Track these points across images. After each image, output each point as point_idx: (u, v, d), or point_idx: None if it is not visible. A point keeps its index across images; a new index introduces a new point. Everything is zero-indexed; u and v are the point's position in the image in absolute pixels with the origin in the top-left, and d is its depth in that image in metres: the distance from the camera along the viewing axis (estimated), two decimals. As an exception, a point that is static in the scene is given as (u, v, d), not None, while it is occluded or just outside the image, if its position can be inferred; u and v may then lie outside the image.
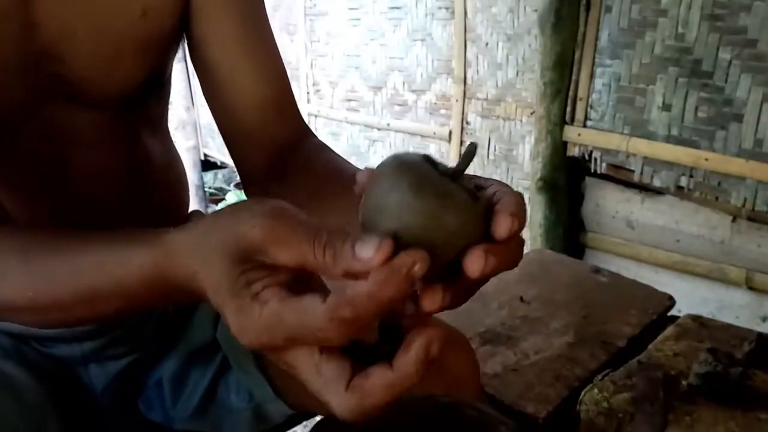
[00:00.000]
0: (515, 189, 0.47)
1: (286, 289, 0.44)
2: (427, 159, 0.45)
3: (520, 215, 0.43)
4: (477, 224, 0.43)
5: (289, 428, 0.93)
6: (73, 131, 0.71)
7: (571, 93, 2.55)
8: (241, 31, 0.75)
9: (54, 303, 0.54)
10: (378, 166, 0.45)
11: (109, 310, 0.54)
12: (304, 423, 0.94)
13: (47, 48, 0.64)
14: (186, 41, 0.76)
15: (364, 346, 0.46)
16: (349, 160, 0.72)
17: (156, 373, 0.86)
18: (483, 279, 0.44)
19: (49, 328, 0.75)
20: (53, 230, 0.57)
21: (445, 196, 0.42)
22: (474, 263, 0.42)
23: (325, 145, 0.77)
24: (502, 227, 0.43)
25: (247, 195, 0.79)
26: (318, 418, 0.77)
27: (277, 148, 0.76)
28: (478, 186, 0.46)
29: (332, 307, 0.41)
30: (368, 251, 0.41)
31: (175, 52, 0.77)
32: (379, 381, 0.42)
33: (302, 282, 0.46)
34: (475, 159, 2.45)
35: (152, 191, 0.81)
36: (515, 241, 0.44)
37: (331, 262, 0.43)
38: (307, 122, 0.81)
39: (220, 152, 4.87)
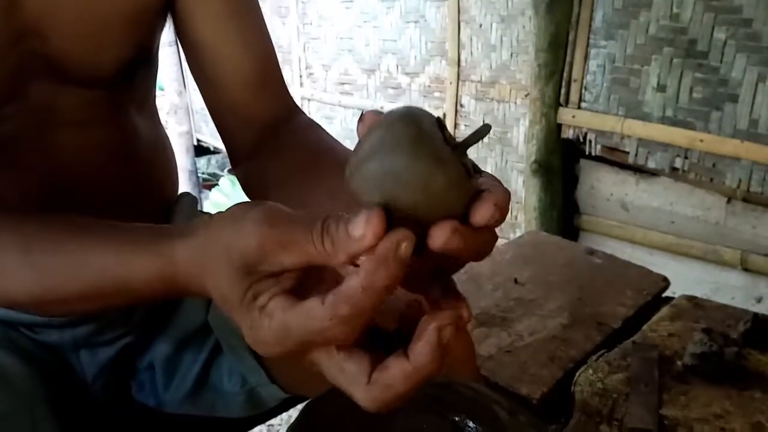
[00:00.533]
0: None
1: (291, 296, 0.43)
2: (439, 122, 0.43)
3: (503, 209, 0.42)
4: (462, 200, 0.42)
5: (283, 412, 0.93)
6: (60, 110, 0.70)
7: (565, 75, 2.54)
8: (227, 6, 0.74)
9: (58, 299, 0.54)
10: (387, 113, 0.43)
11: (113, 306, 0.56)
12: (298, 406, 0.94)
13: (30, 25, 0.63)
14: (172, 18, 0.75)
15: (384, 333, 0.46)
16: (342, 143, 0.72)
17: (148, 358, 0.85)
18: (442, 258, 0.43)
19: (49, 317, 0.75)
20: (54, 223, 0.56)
21: (441, 162, 0.41)
22: (439, 236, 0.40)
23: (314, 122, 0.77)
24: (482, 212, 0.41)
25: (234, 172, 0.79)
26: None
27: (265, 125, 0.75)
28: (475, 168, 0.45)
29: (330, 307, 0.41)
30: (359, 229, 0.40)
31: (162, 28, 0.76)
32: (397, 373, 0.42)
33: (315, 276, 0.46)
34: (470, 141, 2.41)
35: (140, 170, 0.80)
36: (489, 233, 0.43)
37: (333, 251, 0.42)
38: (300, 105, 0.80)
39: (213, 137, 4.84)
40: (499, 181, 0.44)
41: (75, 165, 0.72)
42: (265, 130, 0.75)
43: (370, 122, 0.43)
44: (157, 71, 0.84)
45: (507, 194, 0.43)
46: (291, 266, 0.43)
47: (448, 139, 0.42)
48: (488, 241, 0.44)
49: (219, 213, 0.47)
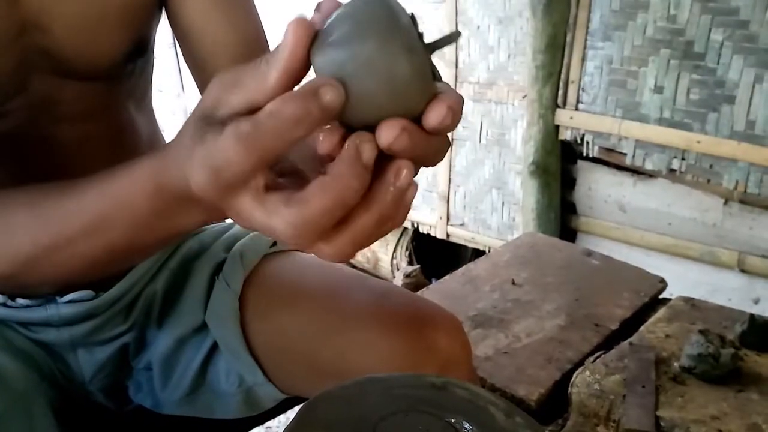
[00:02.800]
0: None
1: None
2: (412, 17, 0.42)
3: (456, 112, 0.42)
4: (422, 98, 0.40)
5: (281, 413, 0.93)
6: (60, 104, 0.70)
7: (563, 76, 2.55)
8: None
9: (68, 242, 0.54)
10: None
11: (120, 239, 0.54)
12: (296, 408, 0.94)
13: (31, 18, 0.64)
14: (165, 9, 0.76)
15: None
16: None
17: (145, 358, 0.85)
18: (389, 155, 0.42)
19: (65, 284, 0.74)
20: (51, 182, 0.57)
21: (411, 52, 0.39)
22: (387, 135, 0.40)
23: None
24: (435, 114, 0.41)
25: None
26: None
27: None
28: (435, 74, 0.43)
29: (237, 128, 0.41)
30: (288, 37, 0.41)
31: (158, 20, 0.77)
32: (314, 187, 0.41)
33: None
34: (467, 143, 2.43)
35: None
36: (441, 138, 0.43)
37: (266, 69, 0.42)
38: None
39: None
40: (455, 91, 0.43)
41: (74, 159, 0.73)
42: None
43: (330, 7, 0.43)
44: (153, 67, 0.85)
45: (460, 99, 0.43)
46: (239, 106, 0.43)
47: (419, 35, 0.41)
48: (440, 147, 0.44)
49: None
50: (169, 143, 0.49)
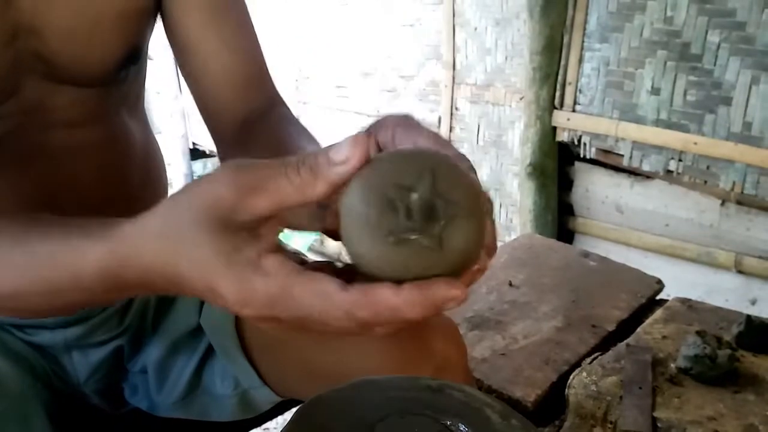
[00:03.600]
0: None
1: (295, 263, 0.42)
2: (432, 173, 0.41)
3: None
4: (442, 266, 0.41)
5: (277, 416, 0.93)
6: (52, 109, 0.70)
7: (560, 78, 2.54)
8: (211, 5, 0.75)
9: (15, 292, 0.52)
10: (372, 165, 0.42)
11: (68, 302, 0.53)
12: (293, 410, 0.94)
13: (25, 23, 0.64)
14: (161, 18, 0.76)
15: None
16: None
17: (140, 360, 0.85)
18: None
19: (17, 317, 0.74)
20: (18, 218, 0.54)
21: (410, 252, 0.40)
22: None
23: (290, 118, 0.77)
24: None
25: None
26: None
27: (244, 119, 0.76)
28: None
29: (353, 304, 0.40)
30: (343, 153, 0.41)
31: (152, 29, 0.77)
32: (377, 294, 0.41)
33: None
34: (465, 145, 2.44)
35: (131, 171, 0.80)
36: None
37: (311, 179, 0.41)
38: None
39: (209, 140, 4.83)
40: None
41: (66, 164, 0.72)
42: (244, 124, 0.76)
43: (362, 154, 0.42)
44: (146, 74, 0.85)
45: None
46: (264, 211, 0.42)
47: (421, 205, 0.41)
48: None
49: (178, 189, 0.46)
50: (131, 227, 0.46)
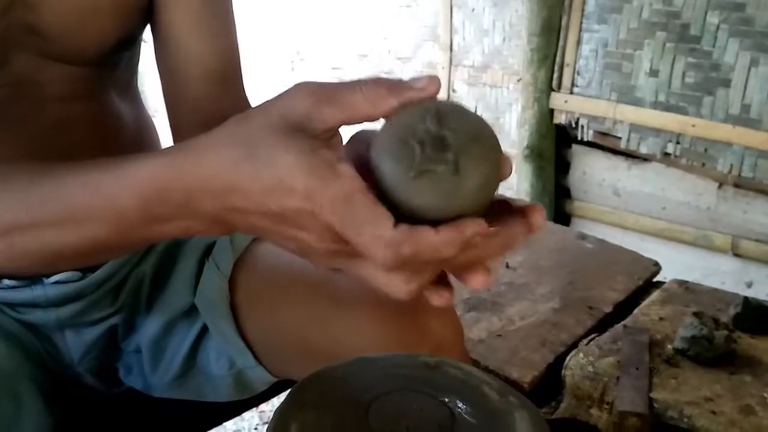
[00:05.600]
0: None
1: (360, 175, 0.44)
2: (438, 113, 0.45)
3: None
4: (463, 189, 0.44)
5: (274, 396, 0.92)
6: (41, 84, 0.69)
7: (558, 59, 2.53)
8: (201, 1, 0.75)
9: (30, 224, 0.50)
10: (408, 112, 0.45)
11: (95, 237, 0.50)
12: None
13: None
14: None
15: None
16: None
17: (134, 340, 0.84)
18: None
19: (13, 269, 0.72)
20: (34, 162, 0.53)
21: (430, 181, 0.43)
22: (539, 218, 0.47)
23: None
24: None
25: None
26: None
27: (211, 120, 0.75)
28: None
29: (398, 237, 0.42)
30: (424, 80, 0.45)
31: (148, 18, 0.76)
32: (422, 233, 0.43)
33: None
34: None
35: (121, 149, 0.79)
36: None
37: (387, 94, 0.44)
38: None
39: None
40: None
41: (55, 139, 0.72)
42: (211, 124, 0.75)
43: (437, 88, 0.46)
44: (139, 58, 0.84)
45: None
46: (336, 121, 0.44)
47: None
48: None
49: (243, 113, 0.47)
50: (187, 142, 0.47)
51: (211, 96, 0.76)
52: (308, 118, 0.44)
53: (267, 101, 0.46)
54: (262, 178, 0.44)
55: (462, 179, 0.43)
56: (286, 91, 0.45)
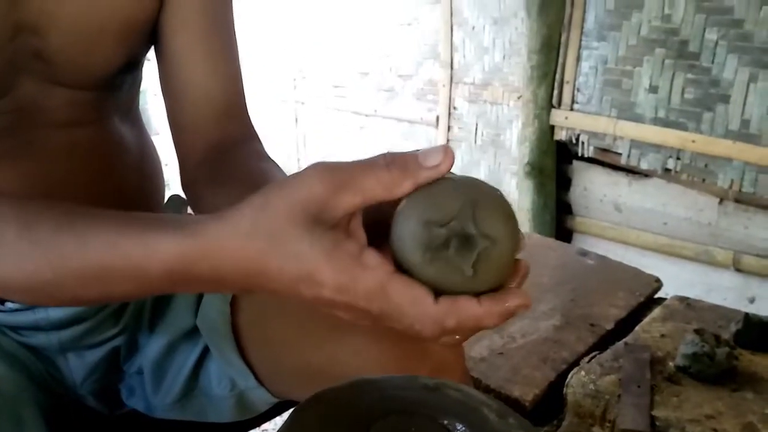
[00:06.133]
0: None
1: (387, 259, 0.46)
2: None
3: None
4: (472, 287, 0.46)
5: (277, 415, 0.92)
6: (46, 110, 0.70)
7: (557, 76, 2.55)
8: (203, 26, 0.75)
9: (53, 280, 0.51)
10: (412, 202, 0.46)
11: (117, 293, 0.52)
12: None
13: (28, 21, 0.64)
14: (154, 29, 0.76)
15: None
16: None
17: (136, 362, 0.85)
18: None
19: (47, 305, 0.73)
20: (58, 206, 0.53)
21: (443, 269, 0.45)
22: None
23: (265, 154, 0.77)
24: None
25: (183, 189, 0.79)
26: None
27: (218, 147, 0.76)
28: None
29: (443, 312, 0.44)
30: (436, 158, 0.45)
31: (150, 41, 0.77)
32: (465, 306, 0.45)
33: None
34: (463, 145, 2.45)
35: (123, 174, 0.80)
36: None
37: (401, 178, 0.45)
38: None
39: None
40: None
41: (58, 164, 0.72)
42: (217, 149, 0.75)
43: (450, 162, 0.46)
44: (141, 82, 0.85)
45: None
46: (353, 207, 0.45)
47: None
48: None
49: (262, 190, 0.47)
50: (212, 225, 0.47)
51: (217, 122, 0.77)
52: (326, 206, 0.44)
53: (284, 184, 0.46)
54: (290, 270, 0.46)
55: (475, 279, 0.45)
56: (302, 174, 0.46)
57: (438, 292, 0.45)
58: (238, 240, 0.46)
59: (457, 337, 0.47)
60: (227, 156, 0.74)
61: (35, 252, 0.51)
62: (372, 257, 0.45)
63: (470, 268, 0.45)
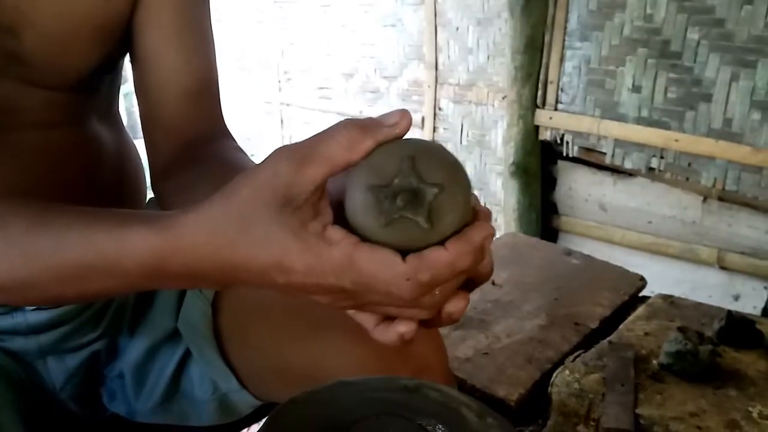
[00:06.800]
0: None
1: (350, 233, 0.45)
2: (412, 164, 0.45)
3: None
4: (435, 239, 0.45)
5: (261, 419, 0.92)
6: (22, 111, 0.69)
7: (541, 76, 2.55)
8: (177, 21, 0.75)
9: (28, 279, 0.50)
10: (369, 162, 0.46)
11: (93, 290, 0.52)
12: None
13: (3, 22, 0.63)
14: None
15: None
16: None
17: (117, 365, 0.84)
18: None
19: (27, 305, 0.72)
20: (32, 203, 0.53)
21: (402, 230, 0.45)
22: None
23: (240, 148, 0.76)
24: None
25: (153, 189, 0.78)
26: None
27: (190, 141, 0.75)
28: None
29: (413, 268, 0.43)
30: (394, 117, 0.46)
31: (128, 41, 0.76)
32: (432, 256, 0.44)
33: None
34: (449, 145, 2.46)
35: (102, 176, 0.79)
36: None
37: (360, 136, 0.45)
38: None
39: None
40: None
41: (35, 166, 0.71)
42: (189, 146, 0.75)
43: (408, 124, 0.47)
44: (120, 83, 0.84)
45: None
46: (319, 178, 0.44)
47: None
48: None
49: (231, 180, 0.47)
50: (185, 216, 0.47)
51: (186, 116, 0.76)
52: (294, 183, 0.44)
53: (251, 171, 0.46)
54: (260, 258, 0.45)
55: (435, 231, 0.45)
56: (268, 158, 0.46)
57: (405, 253, 0.44)
58: (208, 229, 0.46)
59: (438, 292, 0.46)
60: (200, 149, 0.73)
61: (9, 250, 0.50)
62: (335, 232, 0.45)
63: (426, 220, 0.44)
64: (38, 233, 0.50)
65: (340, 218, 0.47)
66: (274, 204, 0.44)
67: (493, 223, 0.49)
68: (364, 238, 0.45)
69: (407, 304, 0.46)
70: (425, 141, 0.48)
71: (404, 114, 0.46)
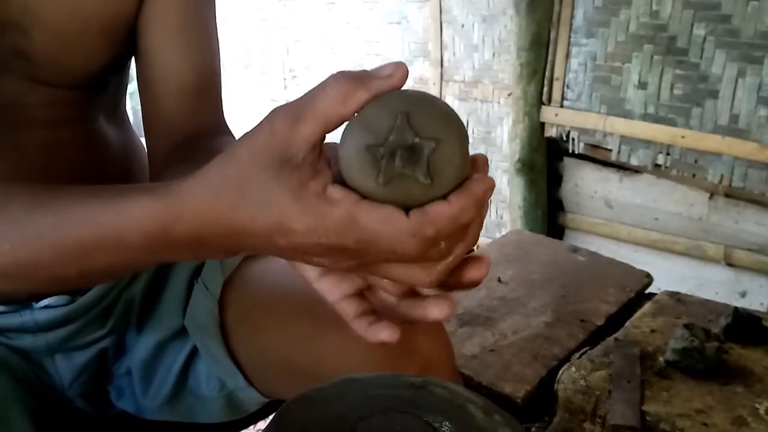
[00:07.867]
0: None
1: (351, 190, 0.44)
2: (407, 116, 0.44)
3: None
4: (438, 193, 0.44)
5: (266, 416, 0.92)
6: (29, 108, 0.70)
7: (547, 73, 2.55)
8: (181, 18, 0.75)
9: (31, 259, 0.50)
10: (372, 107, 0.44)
11: (97, 267, 0.51)
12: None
13: (12, 19, 0.63)
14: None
15: None
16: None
17: (125, 363, 0.84)
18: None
19: (21, 291, 0.72)
20: (32, 184, 0.53)
21: (401, 187, 0.43)
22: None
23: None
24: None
25: (151, 182, 0.78)
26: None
27: (189, 136, 0.75)
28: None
29: (417, 223, 0.42)
30: (389, 68, 0.44)
31: (135, 40, 0.77)
32: (436, 210, 0.43)
33: None
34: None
35: (109, 174, 0.80)
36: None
37: (353, 88, 0.43)
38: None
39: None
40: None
41: (43, 164, 0.72)
42: (188, 141, 0.75)
43: (403, 75, 0.45)
44: (127, 82, 0.84)
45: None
46: (315, 135, 0.43)
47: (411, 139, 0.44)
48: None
49: (227, 149, 0.47)
50: (184, 183, 0.47)
51: (186, 111, 0.77)
52: (290, 142, 0.43)
53: (248, 134, 0.46)
54: (260, 220, 0.45)
55: (435, 185, 0.44)
56: (264, 119, 0.45)
57: (407, 210, 0.44)
58: (207, 194, 0.46)
59: (443, 245, 0.45)
60: (197, 146, 0.73)
61: (10, 231, 0.50)
62: (335, 191, 0.44)
63: (425, 176, 0.43)
64: (38, 212, 0.50)
65: (339, 179, 0.46)
66: (272, 165, 0.44)
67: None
68: (364, 198, 0.44)
69: (412, 260, 0.45)
70: (419, 92, 0.47)
71: (399, 65, 0.45)
